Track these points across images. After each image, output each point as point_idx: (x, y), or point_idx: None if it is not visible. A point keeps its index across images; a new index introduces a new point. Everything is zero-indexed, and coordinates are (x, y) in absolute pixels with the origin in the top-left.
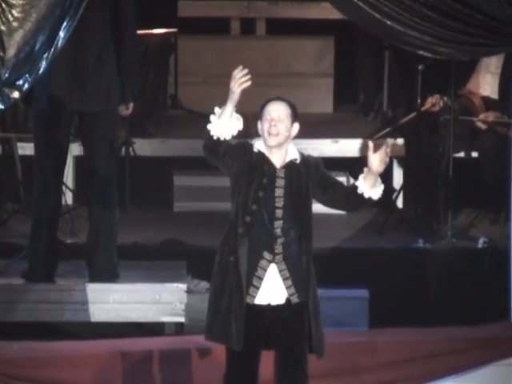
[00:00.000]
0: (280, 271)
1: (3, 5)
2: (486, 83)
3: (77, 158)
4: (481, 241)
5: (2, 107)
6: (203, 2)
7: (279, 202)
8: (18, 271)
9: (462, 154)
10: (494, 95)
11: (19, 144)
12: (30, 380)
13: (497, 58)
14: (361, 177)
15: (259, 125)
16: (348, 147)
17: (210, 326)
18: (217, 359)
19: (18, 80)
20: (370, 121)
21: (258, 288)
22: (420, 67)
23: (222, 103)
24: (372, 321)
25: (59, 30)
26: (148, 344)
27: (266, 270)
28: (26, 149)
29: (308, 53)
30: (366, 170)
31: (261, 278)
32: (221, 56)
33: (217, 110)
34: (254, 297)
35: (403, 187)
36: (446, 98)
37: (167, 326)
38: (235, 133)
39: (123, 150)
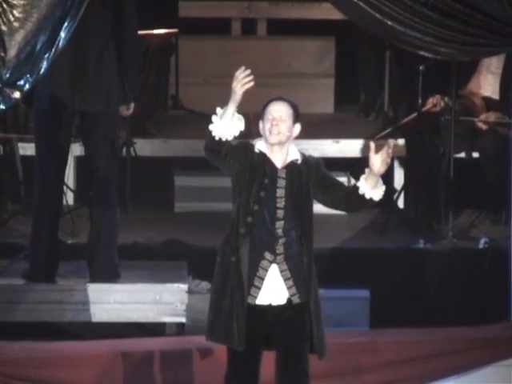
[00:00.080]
0: (281, 271)
1: (4, 5)
2: (487, 83)
3: (78, 158)
4: (482, 241)
5: (3, 107)
6: (204, 3)
7: (280, 203)
8: (18, 271)
9: (462, 155)
10: (495, 95)
11: (20, 144)
12: (31, 380)
13: (498, 59)
14: (362, 177)
15: (261, 124)
16: (349, 147)
17: (211, 326)
18: (218, 359)
19: (19, 80)
20: (370, 121)
21: (259, 288)
22: (421, 67)
23: (223, 103)
24: (373, 321)
25: (60, 30)
26: (149, 344)
27: (267, 271)
28: (27, 149)
29: (309, 53)
30: (367, 170)
31: (262, 279)
32: (222, 56)
33: (218, 110)
34: (256, 297)
35: (404, 187)
36: (446, 99)
37: (168, 326)
38: (237, 133)
39: (124, 150)
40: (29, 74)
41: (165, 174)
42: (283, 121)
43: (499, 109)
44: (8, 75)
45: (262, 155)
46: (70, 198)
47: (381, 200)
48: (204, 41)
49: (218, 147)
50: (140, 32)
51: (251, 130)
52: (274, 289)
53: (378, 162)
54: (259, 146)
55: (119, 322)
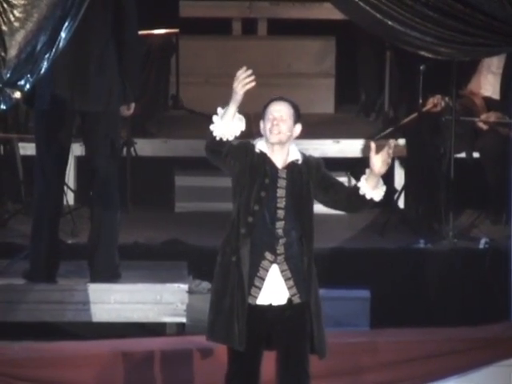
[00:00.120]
0: (282, 271)
1: (5, 5)
2: (488, 83)
3: (78, 158)
4: (482, 241)
5: (4, 107)
6: (205, 3)
7: (281, 203)
8: (19, 271)
9: (463, 155)
10: (496, 95)
11: (20, 144)
12: (32, 380)
13: (498, 59)
14: (363, 178)
15: (261, 124)
16: (349, 147)
17: (211, 326)
18: (218, 359)
19: (20, 80)
20: (371, 121)
21: (259, 288)
22: (421, 67)
23: (224, 103)
24: (373, 321)
25: (61, 30)
26: (149, 344)
27: (267, 271)
28: (28, 149)
29: (309, 53)
30: (368, 171)
31: (262, 279)
32: (222, 56)
33: (219, 110)
34: (256, 297)
35: (404, 187)
36: (447, 99)
37: (168, 326)
38: (238, 133)
39: (124, 150)
40: (29, 74)
41: (165, 174)
42: (284, 121)
43: (500, 109)
44: (8, 75)
45: (263, 155)
46: (70, 197)
47: (381, 200)
48: (204, 41)
49: (218, 147)
50: (140, 32)
51: (252, 130)
52: (274, 289)
53: (378, 162)
54: (260, 145)
55: (120, 322)
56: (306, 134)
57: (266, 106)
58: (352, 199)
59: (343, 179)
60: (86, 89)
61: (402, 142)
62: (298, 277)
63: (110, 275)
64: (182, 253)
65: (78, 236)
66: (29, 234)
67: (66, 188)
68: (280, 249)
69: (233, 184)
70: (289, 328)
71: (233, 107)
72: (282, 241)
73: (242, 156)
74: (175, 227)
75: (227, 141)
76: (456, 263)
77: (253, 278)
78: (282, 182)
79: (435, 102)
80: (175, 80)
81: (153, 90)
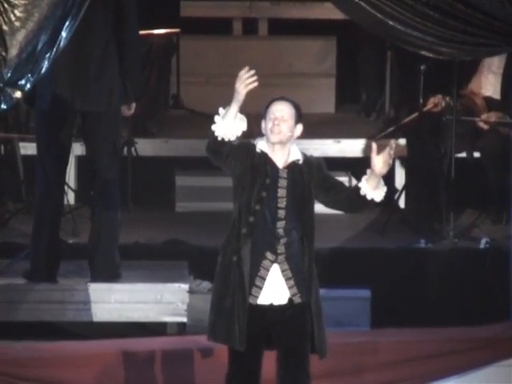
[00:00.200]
0: (282, 271)
1: (5, 5)
2: (488, 83)
3: (79, 158)
4: (483, 241)
5: (5, 107)
6: (205, 3)
7: (282, 203)
8: (19, 271)
9: (464, 154)
10: (496, 95)
11: (21, 143)
12: (33, 380)
13: (499, 58)
14: (363, 178)
15: (263, 124)
16: (350, 147)
17: (212, 326)
18: (219, 359)
19: (20, 80)
20: (371, 121)
21: (260, 288)
22: (422, 67)
23: (224, 103)
24: (374, 321)
25: (61, 30)
26: (150, 344)
27: (268, 270)
28: (28, 148)
29: (310, 53)
30: (368, 171)
31: (263, 278)
32: (223, 56)
33: (221, 110)
34: (257, 297)
35: (405, 187)
36: (448, 98)
37: (169, 325)
38: (239, 133)
39: (125, 149)
40: (30, 74)
41: (166, 174)
42: (285, 121)
43: (500, 109)
44: (9, 75)
45: (264, 155)
46: (71, 197)
47: (382, 200)
48: (205, 41)
49: (220, 147)
50: (141, 32)
51: (252, 130)
52: (275, 289)
53: (379, 162)
54: (261, 145)
55: (120, 321)
56: (306, 134)
57: (267, 106)
58: (353, 200)
59: (344, 179)
60: (86, 89)
61: (402, 141)
62: (298, 276)
63: (111, 275)
64: (182, 252)
65: (78, 236)
66: (29, 234)
67: (66, 188)
68: (281, 248)
69: (234, 184)
70: (289, 328)
71: (235, 107)
72: (282, 240)
73: (243, 156)
74: (176, 227)
75: (228, 141)
76: (456, 263)
77: (254, 278)
78: (282, 182)
79: (436, 102)
80: (176, 80)
81: (153, 90)
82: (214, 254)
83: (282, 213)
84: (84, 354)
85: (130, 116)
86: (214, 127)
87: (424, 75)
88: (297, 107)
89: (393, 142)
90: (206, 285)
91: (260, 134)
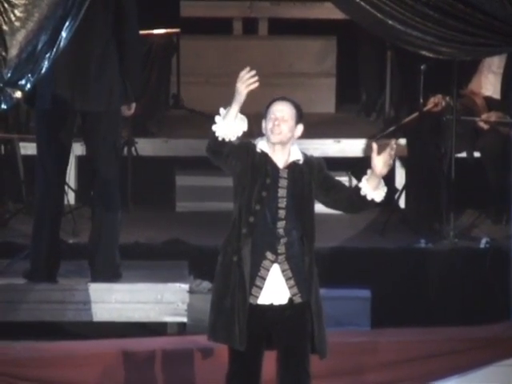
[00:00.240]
0: (283, 271)
1: (5, 4)
2: (489, 83)
3: (79, 158)
4: (483, 241)
5: (5, 107)
6: (205, 2)
7: (282, 203)
8: (19, 271)
9: (464, 154)
10: (497, 95)
11: (21, 144)
12: (33, 380)
13: (499, 58)
14: (364, 178)
15: (263, 124)
16: (350, 147)
17: (212, 326)
18: (219, 359)
19: (20, 80)
20: (372, 121)
21: (260, 288)
22: (422, 67)
23: (225, 103)
24: (374, 321)
25: (61, 29)
26: (150, 344)
27: (268, 270)
28: (28, 148)
29: (310, 53)
30: (369, 171)
31: (264, 278)
32: (223, 56)
33: (222, 110)
34: (257, 297)
35: (405, 187)
36: (448, 98)
37: (169, 325)
38: (240, 134)
39: (125, 149)
40: (30, 74)
41: (166, 174)
42: (285, 121)
43: (500, 108)
44: (9, 75)
45: (264, 155)
46: (71, 197)
47: (382, 200)
48: (205, 40)
49: (220, 148)
50: (142, 32)
51: (252, 130)
52: (275, 288)
53: (380, 163)
54: (261, 145)
55: (120, 321)
56: (306, 134)
57: (268, 106)
58: (353, 200)
59: (344, 179)
60: (86, 88)
61: (402, 141)
62: (298, 276)
63: (111, 275)
64: (182, 252)
65: (78, 236)
66: (29, 234)
67: (66, 188)
68: (281, 248)
69: (234, 184)
70: (289, 328)
71: (235, 108)
72: (283, 240)
73: (243, 156)
74: (176, 227)
75: (229, 141)
76: (457, 263)
77: (254, 278)
78: (283, 182)
79: (436, 102)
80: (176, 80)
81: (154, 90)
82: (214, 254)
83: (282, 213)
84: (84, 354)
85: (130, 116)
86: (214, 127)
87: (424, 75)
88: (297, 107)
89: (393, 142)
90: (206, 285)
91: (260, 134)
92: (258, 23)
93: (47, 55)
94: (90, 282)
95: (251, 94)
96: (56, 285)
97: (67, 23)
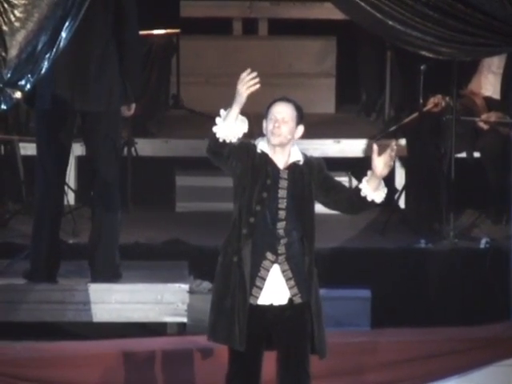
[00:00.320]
0: (283, 272)
1: (5, 5)
2: (488, 83)
3: (79, 158)
4: (483, 241)
5: (5, 107)
6: (205, 3)
7: (282, 203)
8: (19, 271)
9: (464, 154)
10: (496, 95)
11: (21, 144)
12: (33, 380)
13: (499, 58)
14: (364, 179)
15: (264, 124)
16: (350, 147)
17: (212, 326)
18: (219, 359)
19: (20, 80)
20: (372, 121)
21: (260, 288)
22: (422, 67)
23: (224, 103)
24: (374, 321)
25: (61, 30)
26: (150, 344)
27: (268, 271)
28: (28, 149)
29: (310, 53)
30: (369, 172)
31: (264, 279)
32: (223, 56)
33: (222, 112)
34: (257, 297)
35: (405, 187)
36: (448, 98)
37: (169, 326)
38: (241, 135)
39: (125, 150)
40: (30, 74)
41: (166, 174)
42: (286, 123)
43: (500, 109)
44: (9, 75)
45: (265, 156)
46: (71, 197)
47: (382, 200)
48: (205, 41)
49: (220, 149)
50: (141, 32)
51: (252, 131)
52: (275, 289)
53: (380, 164)
54: (261, 146)
55: (120, 321)
56: (306, 134)
57: (269, 107)
58: (353, 201)
59: (344, 179)
60: (86, 89)
61: (402, 141)
62: (299, 277)
63: (111, 275)
64: (182, 253)
65: (78, 236)
66: (29, 234)
67: (66, 188)
68: (281, 249)
69: (234, 184)
70: (289, 328)
71: (236, 109)
72: (283, 241)
73: (244, 156)
74: (176, 227)
75: (229, 142)
76: (456, 263)
77: (254, 278)
78: (283, 183)
79: (436, 102)
80: (176, 80)
81: (153, 90)
82: (214, 254)
83: (282, 213)
84: (84, 355)
85: (129, 116)
86: (215, 129)
87: (424, 75)
88: (298, 108)
89: (394, 143)
90: (206, 285)
91: (261, 134)
92: (257, 23)
93: (47, 55)
94: (89, 283)
95: (251, 95)
96: (56, 285)
97: (67, 23)
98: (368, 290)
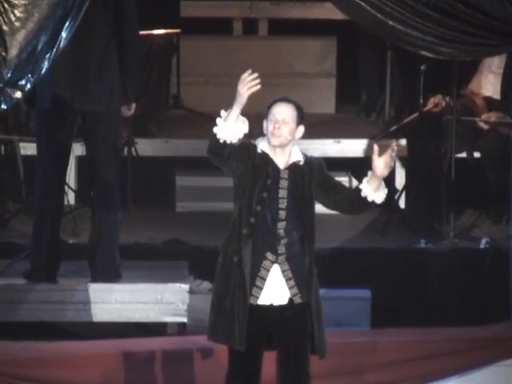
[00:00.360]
0: (283, 272)
1: (5, 5)
2: (489, 83)
3: (79, 158)
4: (483, 241)
5: (5, 107)
6: (205, 3)
7: (282, 203)
8: (19, 271)
9: (464, 155)
10: (496, 95)
11: (21, 144)
12: (33, 380)
13: (499, 58)
14: (364, 180)
15: (265, 124)
16: (350, 147)
17: (212, 326)
18: (219, 359)
19: (20, 80)
20: (372, 121)
21: (261, 288)
22: (422, 67)
23: (225, 103)
24: (374, 321)
25: (61, 30)
26: (150, 344)
27: (269, 271)
28: (28, 149)
29: (310, 53)
30: (370, 173)
31: (264, 279)
32: (223, 56)
33: (223, 113)
34: (257, 297)
35: (405, 187)
36: (448, 99)
37: (169, 326)
38: (241, 136)
39: (125, 149)
40: (30, 74)
41: (166, 174)
42: (286, 123)
43: (500, 109)
44: (9, 75)
45: (265, 156)
46: (71, 197)
47: (382, 201)
48: (205, 41)
49: (221, 150)
50: (141, 32)
51: (253, 131)
52: (275, 289)
53: (381, 164)
54: (262, 146)
55: (120, 321)
56: (306, 134)
57: (269, 107)
58: (353, 201)
59: (344, 179)
60: (86, 89)
61: (403, 141)
62: (299, 277)
63: (111, 275)
64: (182, 253)
65: (78, 236)
66: (29, 234)
67: (66, 188)
68: (281, 249)
69: (234, 184)
70: (289, 328)
71: (236, 110)
72: (283, 241)
73: (244, 157)
74: (176, 227)
75: (230, 143)
76: (457, 263)
77: (254, 278)
78: (283, 183)
79: (436, 102)
80: (176, 80)
81: (154, 90)
82: (214, 254)
83: (282, 213)
84: (84, 354)
85: (130, 116)
86: (215, 129)
87: (424, 75)
88: (299, 109)
89: (394, 143)
90: (206, 285)
91: (261, 134)
92: (257, 23)
93: (47, 55)
94: (89, 283)
95: (251, 95)
96: (56, 285)
97: (67, 23)
98: (368, 290)
